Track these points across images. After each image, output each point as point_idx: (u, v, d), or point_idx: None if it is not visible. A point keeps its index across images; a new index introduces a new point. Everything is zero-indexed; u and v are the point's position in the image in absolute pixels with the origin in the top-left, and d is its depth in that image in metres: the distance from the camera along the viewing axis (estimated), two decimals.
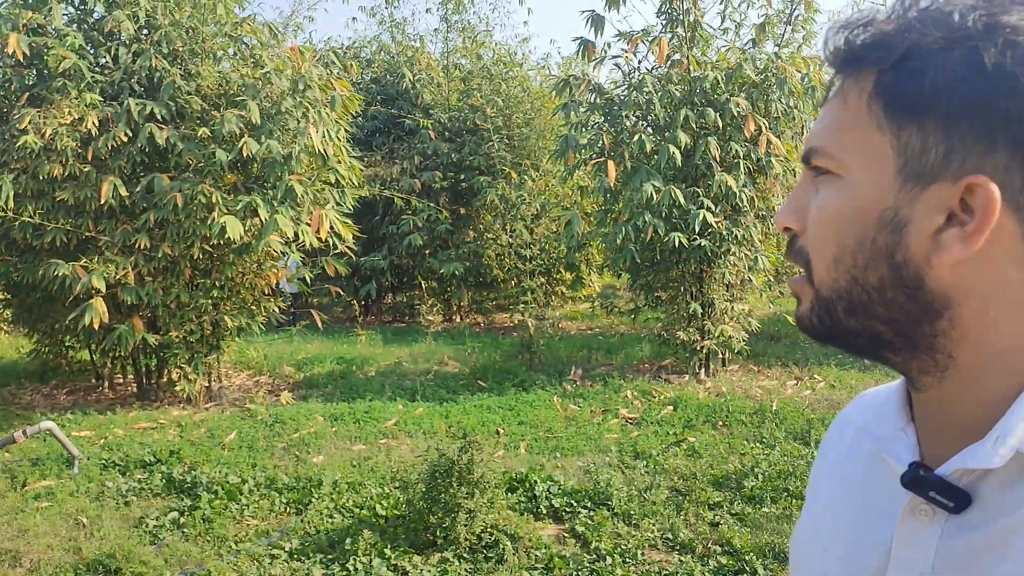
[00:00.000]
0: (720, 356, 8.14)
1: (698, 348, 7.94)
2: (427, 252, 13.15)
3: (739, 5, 7.89)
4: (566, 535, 4.41)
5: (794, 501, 4.68)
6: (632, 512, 4.54)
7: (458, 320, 14.06)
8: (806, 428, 6.08)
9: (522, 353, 9.50)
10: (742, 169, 7.28)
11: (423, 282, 13.14)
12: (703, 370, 8.07)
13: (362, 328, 11.60)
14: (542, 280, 12.46)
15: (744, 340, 7.94)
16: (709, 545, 4.18)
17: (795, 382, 7.85)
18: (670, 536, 4.29)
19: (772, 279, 8.63)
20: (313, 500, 4.93)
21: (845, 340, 0.67)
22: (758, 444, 5.81)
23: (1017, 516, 0.59)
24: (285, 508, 4.94)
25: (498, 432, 6.51)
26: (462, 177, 13.07)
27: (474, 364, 9.32)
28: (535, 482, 4.93)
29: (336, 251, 7.67)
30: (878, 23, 0.63)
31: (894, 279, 0.62)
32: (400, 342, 11.21)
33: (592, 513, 4.58)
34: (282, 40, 7.91)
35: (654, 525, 4.42)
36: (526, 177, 11.85)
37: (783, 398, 7.07)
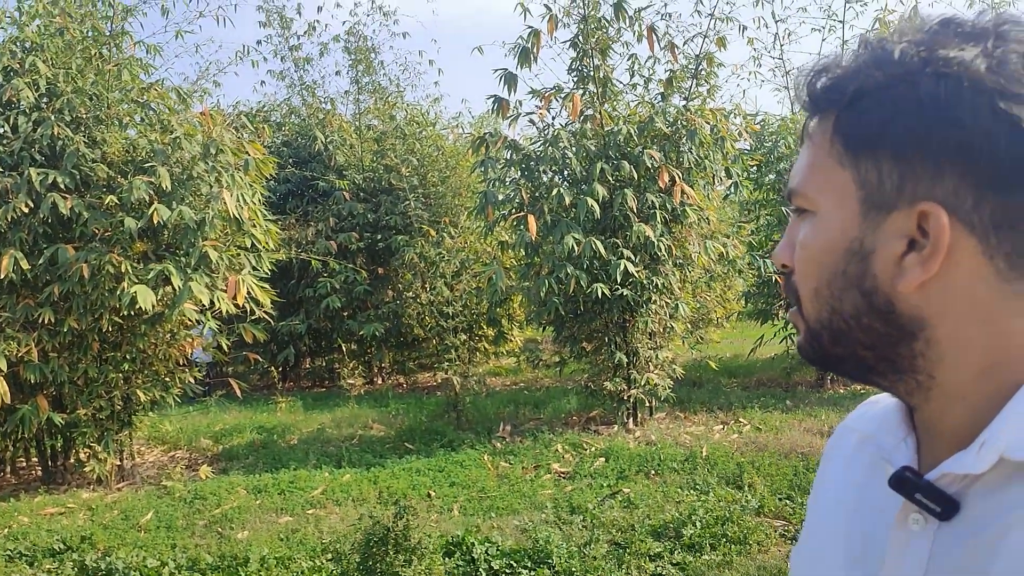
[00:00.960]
0: (647, 405, 8.17)
1: (625, 398, 7.95)
2: (346, 314, 12.94)
3: (646, 61, 8.11)
4: None
5: (732, 547, 4.67)
6: (573, 570, 4.45)
7: (380, 382, 13.84)
8: (737, 472, 6.11)
9: (448, 412, 9.37)
10: (658, 219, 7.40)
11: (343, 345, 12.90)
12: (631, 419, 8.08)
13: (281, 395, 11.28)
14: (464, 337, 12.37)
15: (669, 387, 7.99)
16: None
17: (721, 426, 7.92)
18: None
19: (691, 326, 8.74)
20: None
21: (836, 366, 0.72)
22: (692, 491, 5.81)
23: (1003, 523, 0.60)
24: None
25: (429, 495, 6.34)
26: (379, 237, 12.97)
27: (399, 426, 9.13)
28: (472, 545, 4.80)
29: (253, 317, 7.46)
30: (836, 67, 0.67)
31: (866, 306, 0.65)
32: (322, 407, 10.93)
33: (532, 573, 4.47)
34: (190, 105, 7.77)
35: None
36: (444, 234, 11.83)
37: (712, 443, 7.11)
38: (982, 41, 0.62)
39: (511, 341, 13.42)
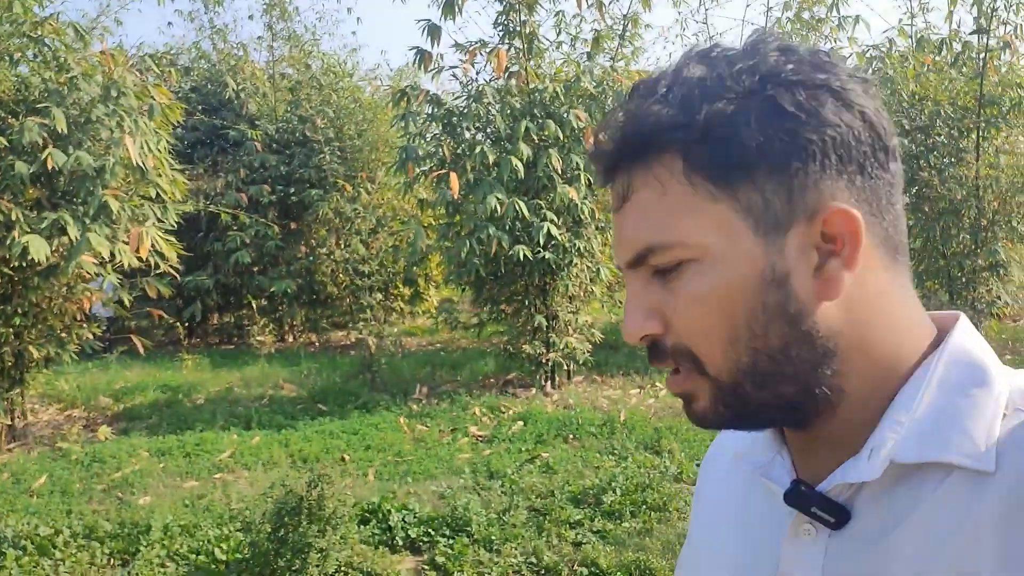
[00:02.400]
0: (565, 368, 8.13)
1: (543, 361, 7.89)
2: (256, 270, 12.52)
3: (572, 19, 7.94)
4: (425, 567, 4.18)
5: (652, 514, 4.65)
6: (493, 537, 4.36)
7: (291, 340, 13.49)
8: (655, 438, 6.12)
9: (363, 373, 9.16)
10: (582, 181, 7.30)
11: (253, 302, 12.49)
12: (549, 383, 8.03)
13: (188, 352, 10.86)
14: (380, 296, 12.12)
15: (588, 351, 7.96)
16: (575, 567, 4.06)
17: (638, 391, 7.94)
18: (534, 560, 4.14)
19: (608, 290, 8.70)
20: (141, 548, 4.44)
21: (755, 417, 0.67)
22: (610, 456, 5.79)
23: (895, 531, 0.61)
24: (108, 560, 4.43)
25: (343, 459, 6.17)
26: (292, 190, 12.54)
27: (312, 387, 8.89)
28: (388, 512, 4.66)
29: (158, 271, 7.08)
30: (649, 109, 0.64)
31: (794, 333, 0.62)
32: (230, 366, 10.57)
33: (451, 542, 4.36)
34: (89, 43, 7.24)
35: (516, 550, 4.26)
36: (361, 190, 11.51)
37: (629, 408, 7.11)
38: (785, 53, 0.63)
39: (427, 301, 13.23)
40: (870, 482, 0.63)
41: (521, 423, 6.76)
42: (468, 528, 4.46)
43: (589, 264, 7.77)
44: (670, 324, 0.65)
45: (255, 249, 12.06)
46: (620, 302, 8.71)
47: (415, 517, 4.62)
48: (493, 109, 7.23)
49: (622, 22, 7.90)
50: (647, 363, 7.42)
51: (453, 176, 6.87)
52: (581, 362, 7.98)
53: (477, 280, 7.78)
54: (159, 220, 7.00)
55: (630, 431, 6.35)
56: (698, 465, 5.46)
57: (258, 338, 12.78)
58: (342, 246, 11.87)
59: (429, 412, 7.42)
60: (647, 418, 6.70)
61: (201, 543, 4.47)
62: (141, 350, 7.69)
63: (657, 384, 8.07)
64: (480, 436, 6.64)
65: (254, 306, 12.85)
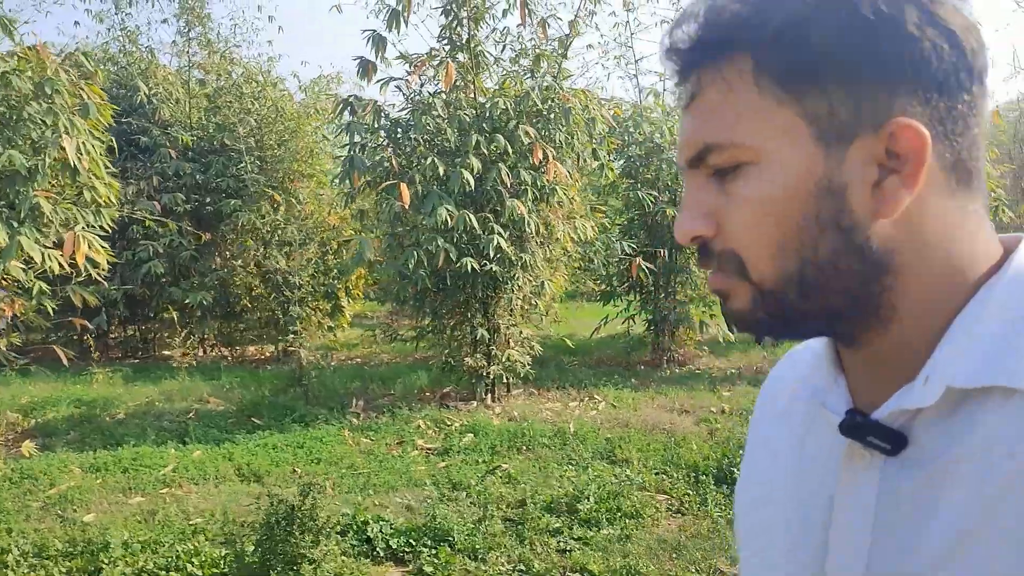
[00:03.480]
0: (504, 381, 8.16)
1: (484, 374, 7.90)
2: (164, 281, 12.06)
3: (517, 34, 8.03)
4: None
5: (628, 521, 4.73)
6: (476, 546, 4.34)
7: (202, 353, 13.04)
8: (608, 448, 6.21)
9: (293, 386, 8.96)
10: (529, 196, 7.37)
11: (166, 314, 12.03)
12: (490, 396, 8.04)
13: (98, 365, 10.36)
14: (305, 309, 11.88)
15: (528, 364, 8.02)
16: (566, 573, 4.09)
17: (577, 404, 8.03)
18: (523, 568, 4.14)
19: (551, 304, 8.79)
20: (103, 566, 4.22)
21: (797, 326, 0.67)
22: (569, 467, 5.84)
23: (953, 452, 0.60)
24: None
25: (294, 471, 6.02)
26: (207, 200, 12.18)
27: (240, 401, 8.62)
28: (366, 523, 4.57)
29: (80, 278, 6.75)
30: (725, 8, 0.63)
31: (846, 245, 0.62)
32: (144, 379, 10.14)
33: (435, 551, 4.32)
34: (15, 36, 6.87)
35: (502, 558, 4.26)
36: (292, 200, 11.29)
37: (576, 420, 7.19)
38: None
39: (344, 316, 13.03)
40: (927, 407, 0.62)
41: (471, 435, 6.74)
42: (449, 538, 4.43)
43: (531, 278, 7.84)
44: (721, 227, 0.65)
45: (167, 260, 11.63)
46: (556, 318, 8.81)
47: (392, 528, 4.55)
48: (442, 122, 7.23)
49: (564, 41, 8.02)
50: (579, 376, 7.51)
51: (403, 187, 6.82)
52: (522, 375, 8.02)
53: (419, 293, 7.73)
54: (90, 225, 6.69)
55: (582, 442, 6.42)
56: (656, 474, 5.59)
57: (178, 351, 12.35)
58: (265, 257, 11.58)
59: (371, 425, 7.32)
60: (595, 430, 6.79)
61: (168, 559, 4.28)
62: (64, 361, 7.31)
63: (595, 397, 8.18)
64: (429, 448, 6.60)
65: (174, 318, 12.36)
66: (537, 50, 8.08)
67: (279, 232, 11.64)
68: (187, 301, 11.56)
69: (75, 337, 11.43)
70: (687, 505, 5.04)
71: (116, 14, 12.99)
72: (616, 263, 9.16)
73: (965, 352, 0.61)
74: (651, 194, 8.97)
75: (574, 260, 8.66)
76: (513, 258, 7.39)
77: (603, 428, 6.85)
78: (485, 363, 7.88)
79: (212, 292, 11.82)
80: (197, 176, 11.99)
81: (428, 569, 4.10)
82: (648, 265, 8.90)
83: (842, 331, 0.66)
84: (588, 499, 4.88)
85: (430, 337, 8.16)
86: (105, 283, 7.23)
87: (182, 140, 11.51)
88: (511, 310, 7.92)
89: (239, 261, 12.32)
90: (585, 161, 7.95)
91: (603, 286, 9.74)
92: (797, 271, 0.63)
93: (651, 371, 9.81)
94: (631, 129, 9.59)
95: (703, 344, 10.49)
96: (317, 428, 7.24)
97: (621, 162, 9.83)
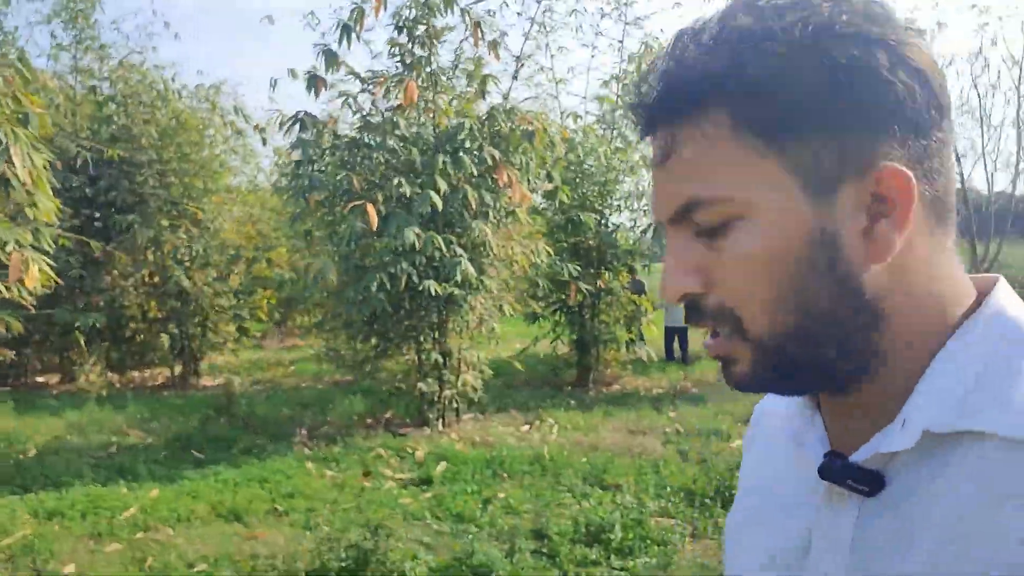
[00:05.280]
0: (454, 406, 8.03)
1: (436, 399, 7.75)
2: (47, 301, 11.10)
3: (472, 56, 7.96)
4: None
5: (657, 548, 4.75)
6: None
7: (84, 380, 12.07)
8: (594, 472, 6.22)
9: (222, 415, 8.48)
10: (491, 218, 7.33)
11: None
12: (440, 421, 7.89)
13: None
14: (208, 331, 11.27)
15: (480, 388, 7.93)
16: None
17: (528, 427, 8.00)
18: None
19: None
20: None
21: (796, 380, 0.66)
22: (566, 494, 5.81)
23: (927, 492, 0.61)
24: None
25: (275, 509, 5.69)
26: (97, 215, 11.37)
27: (165, 433, 8.08)
28: (399, 562, 4.36)
29: None
30: (697, 63, 0.62)
31: (842, 294, 0.61)
32: (38, 412, 9.26)
33: None
34: None
35: None
36: (197, 216, 10.69)
37: (547, 444, 7.15)
38: (838, 4, 0.61)
39: (247, 338, 12.45)
40: (904, 450, 0.62)
41: (445, 463, 6.59)
42: (492, 574, 4.31)
43: (486, 301, 7.77)
44: (712, 284, 0.65)
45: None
46: (497, 340, 8.76)
47: (431, 567, 4.37)
48: (404, 142, 7.07)
49: (516, 62, 8.04)
50: (523, 399, 7.52)
51: (370, 208, 6.61)
52: (477, 399, 7.93)
53: (372, 317, 7.49)
54: (32, 245, 6.09)
55: (564, 468, 6.40)
56: (655, 499, 5.66)
57: (54, 377, 11.41)
58: (169, 277, 10.87)
59: (326, 456, 7.02)
60: (568, 454, 6.78)
61: None
62: None
63: (547, 419, 8.17)
64: (403, 479, 6.39)
65: (51, 341, 11.40)
66: (484, 71, 8.04)
67: (182, 250, 11.00)
68: (77, 324, 10.72)
69: None
70: (700, 529, 5.12)
71: None
72: (555, 286, 9.21)
73: (942, 396, 0.61)
74: (592, 216, 9.10)
75: (522, 282, 8.64)
76: (474, 281, 7.31)
77: (575, 452, 6.86)
78: (437, 388, 7.74)
79: (103, 314, 11.02)
80: (86, 190, 11.17)
81: None
82: (588, 287, 9.02)
83: (838, 383, 0.66)
84: (613, 528, 4.86)
85: (386, 362, 7.93)
86: (32, 308, 6.56)
87: (72, 151, 10.67)
88: (465, 334, 7.82)
89: (130, 281, 11.56)
90: (538, 183, 7.97)
91: (535, 306, 9.76)
92: (795, 323, 0.62)
93: (580, 391, 9.91)
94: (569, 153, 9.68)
95: (627, 364, 10.71)
96: (271, 460, 6.88)
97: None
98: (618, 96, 10.37)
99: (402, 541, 4.57)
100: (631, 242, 10.16)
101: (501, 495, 5.77)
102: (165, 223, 11.05)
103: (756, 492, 0.81)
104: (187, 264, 11.03)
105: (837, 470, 0.64)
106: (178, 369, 11.75)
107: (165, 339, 11.31)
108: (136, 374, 12.39)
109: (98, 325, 10.81)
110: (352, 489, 6.10)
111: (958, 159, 13.79)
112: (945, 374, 0.62)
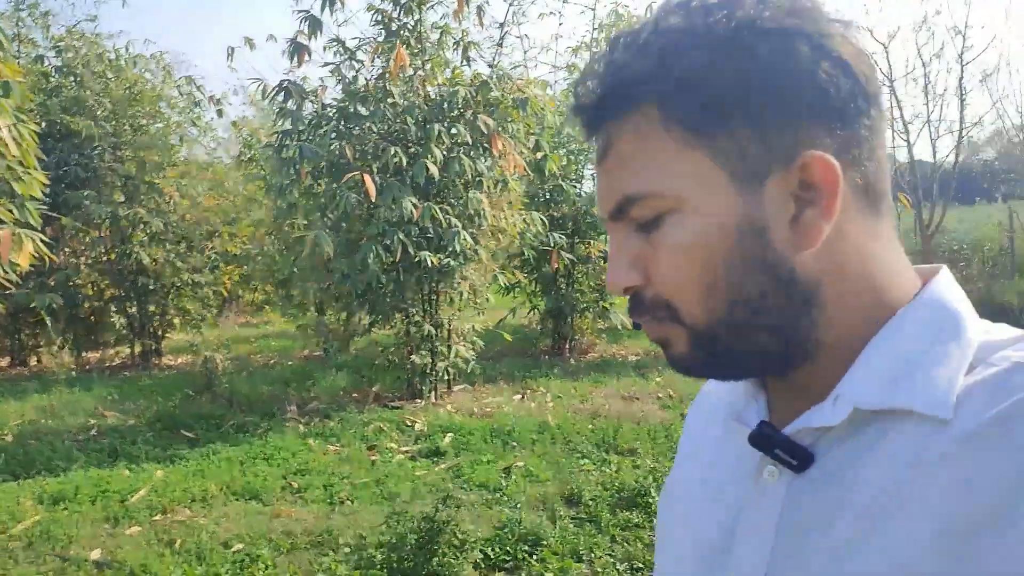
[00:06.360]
0: (446, 378, 7.99)
1: (429, 371, 7.70)
2: None
3: (456, 23, 7.83)
4: None
5: None
6: (579, 549, 4.26)
7: (51, 362, 11.58)
8: (605, 438, 6.26)
9: (202, 393, 8.26)
10: (485, 187, 7.27)
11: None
12: (432, 393, 7.84)
13: None
14: (168, 309, 10.94)
15: (473, 359, 7.90)
16: None
17: (520, 396, 8.01)
18: (640, 565, 4.12)
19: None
20: None
21: (731, 366, 0.68)
22: (584, 460, 5.84)
23: (855, 469, 0.62)
24: None
25: (290, 485, 5.59)
26: (47, 191, 10.85)
27: (143, 412, 7.84)
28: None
29: None
30: (627, 63, 0.65)
31: (772, 282, 0.63)
32: None
33: (533, 556, 4.19)
34: None
35: (611, 556, 4.21)
36: (154, 190, 10.33)
37: (549, 412, 7.17)
38: (763, 0, 0.63)
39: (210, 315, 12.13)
40: (834, 427, 0.64)
41: (450, 434, 6.56)
42: (543, 542, 4.31)
43: (480, 271, 7.72)
44: (650, 276, 0.67)
45: None
46: (483, 310, 8.72)
47: (478, 537, 4.35)
48: (397, 110, 6.95)
49: (500, 30, 7.95)
50: (509, 369, 7.53)
51: (368, 179, 6.48)
52: (469, 371, 7.89)
53: (365, 290, 7.38)
54: (17, 221, 5.79)
55: (574, 434, 6.43)
56: (667, 463, 5.73)
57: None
58: (127, 253, 10.50)
59: (323, 431, 6.92)
60: (571, 422, 6.82)
61: None
62: None
63: (540, 389, 8.20)
64: (410, 451, 6.34)
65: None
66: (466, 40, 7.93)
67: (140, 226, 10.62)
68: (33, 304, 10.28)
69: None
70: None
71: None
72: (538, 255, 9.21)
73: (874, 374, 0.63)
74: (573, 186, 9.10)
75: (507, 252, 8.61)
76: (469, 252, 7.25)
77: (578, 420, 6.90)
78: (430, 360, 7.69)
79: (59, 294, 10.58)
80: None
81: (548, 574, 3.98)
82: (570, 256, 9.04)
83: (774, 368, 0.68)
84: (650, 492, 4.90)
85: (376, 334, 7.82)
86: (13, 288, 6.25)
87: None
88: (456, 304, 7.76)
89: (83, 259, 11.16)
90: (525, 151, 7.93)
91: (519, 276, 9.75)
92: (727, 312, 0.64)
93: (558, 360, 9.97)
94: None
95: (601, 332, 10.80)
96: (270, 437, 6.74)
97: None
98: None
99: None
100: None
101: (520, 463, 5.77)
102: (120, 198, 10.66)
103: (691, 463, 0.82)
104: (145, 240, 10.65)
105: (765, 438, 0.66)
106: (138, 348, 11.40)
107: (118, 318, 10.97)
108: (93, 355, 11.97)
109: (54, 305, 10.41)
110: (362, 464, 6.03)
111: (905, 127, 14.23)
112: (879, 356, 0.64)
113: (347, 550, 4.31)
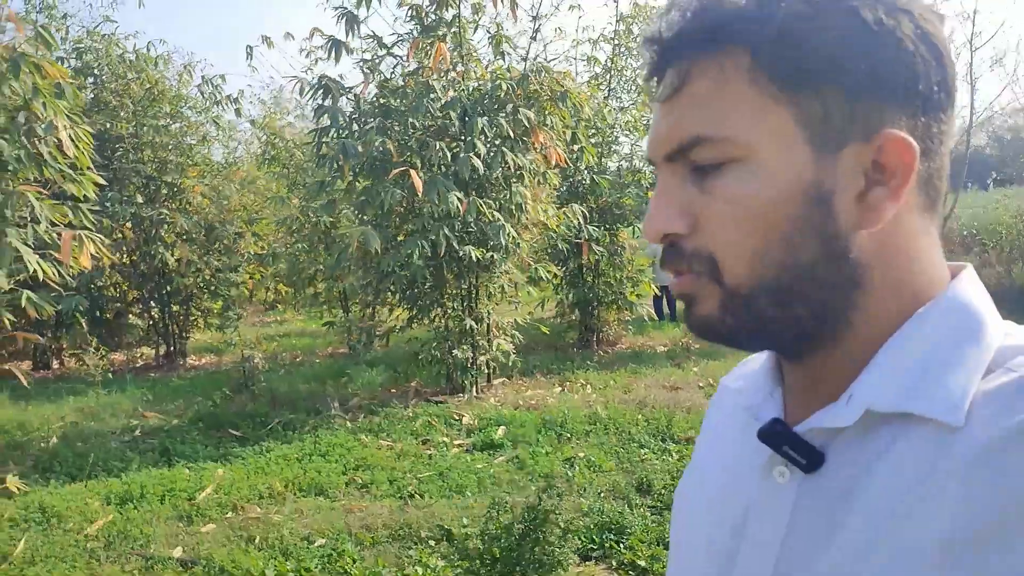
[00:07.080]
0: (485, 372, 8.02)
1: (470, 365, 7.73)
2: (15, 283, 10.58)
3: (484, 17, 7.86)
4: (625, 571, 4.03)
5: None
6: (664, 536, 4.31)
7: (56, 365, 11.59)
8: (658, 428, 6.32)
9: (241, 392, 8.27)
10: (526, 181, 7.30)
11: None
12: (474, 388, 7.87)
13: None
14: (192, 310, 10.93)
15: (514, 352, 7.94)
16: None
17: (560, 388, 8.06)
18: None
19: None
20: None
21: (755, 335, 0.66)
22: (642, 449, 5.89)
23: (865, 473, 0.61)
24: None
25: (355, 481, 5.62)
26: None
27: (184, 412, 7.85)
28: None
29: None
30: (720, 1, 0.62)
31: (826, 254, 0.61)
32: (24, 400, 8.83)
33: (621, 544, 4.24)
34: None
35: None
36: (177, 191, 10.33)
37: (596, 403, 7.21)
38: None
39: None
40: (846, 428, 0.62)
41: (502, 427, 6.59)
42: (628, 530, 4.36)
43: (514, 264, 7.75)
44: (697, 226, 0.63)
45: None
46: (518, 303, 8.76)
47: (575, 526, 4.38)
48: (441, 104, 6.97)
49: (533, 23, 7.98)
50: (545, 362, 7.56)
51: (414, 174, 6.52)
52: (510, 363, 7.93)
53: (408, 285, 7.41)
54: (72, 224, 5.79)
55: (627, 424, 6.48)
56: None
57: (26, 363, 10.90)
58: (152, 254, 10.49)
59: (371, 427, 6.94)
60: (621, 412, 6.86)
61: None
62: (24, 382, 6.32)
63: (580, 381, 8.24)
64: (464, 445, 6.38)
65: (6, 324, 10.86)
66: (498, 34, 7.96)
67: (165, 227, 10.61)
68: (59, 307, 10.26)
69: None
70: None
71: None
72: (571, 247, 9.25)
73: (888, 377, 0.61)
74: (605, 178, 9.14)
75: (542, 244, 8.65)
76: (511, 245, 7.28)
77: (627, 410, 6.94)
78: (471, 354, 7.72)
79: (82, 296, 10.57)
80: None
81: (642, 564, 4.02)
82: (600, 248, 9.08)
83: (800, 346, 0.66)
84: None
85: (415, 329, 7.85)
86: (61, 291, 6.27)
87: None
88: (495, 298, 7.80)
89: (106, 260, 11.11)
90: (562, 144, 7.96)
91: (553, 268, 9.81)
92: (774, 277, 0.62)
93: (587, 352, 10.02)
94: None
95: (628, 324, 10.85)
96: (321, 434, 6.76)
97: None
98: (614, 49, 10.38)
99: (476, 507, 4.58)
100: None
101: (581, 454, 5.81)
102: (141, 200, 10.64)
103: (707, 460, 0.80)
104: (171, 241, 10.64)
105: (775, 434, 0.64)
106: (163, 350, 11.40)
107: (139, 320, 10.98)
108: (117, 356, 11.95)
109: (80, 308, 10.39)
110: (419, 458, 6.06)
111: None
112: (896, 355, 0.62)
113: (432, 542, 4.35)
